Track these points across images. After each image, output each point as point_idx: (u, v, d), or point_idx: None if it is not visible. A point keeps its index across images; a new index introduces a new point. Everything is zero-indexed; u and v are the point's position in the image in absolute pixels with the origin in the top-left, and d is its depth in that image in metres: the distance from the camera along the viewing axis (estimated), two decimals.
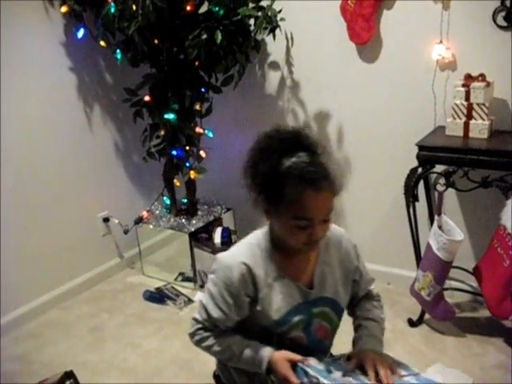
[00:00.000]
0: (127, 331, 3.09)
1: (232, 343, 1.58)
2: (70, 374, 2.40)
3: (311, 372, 1.45)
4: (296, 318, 1.57)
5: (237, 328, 1.63)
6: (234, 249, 1.61)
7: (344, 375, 1.47)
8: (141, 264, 3.77)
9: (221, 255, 1.59)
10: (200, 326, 1.62)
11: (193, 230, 3.41)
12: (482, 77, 2.60)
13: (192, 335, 1.65)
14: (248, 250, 1.57)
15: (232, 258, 1.56)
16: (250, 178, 1.48)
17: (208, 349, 1.62)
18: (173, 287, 3.46)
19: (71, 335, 3.08)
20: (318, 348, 1.65)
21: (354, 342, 1.67)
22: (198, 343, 1.64)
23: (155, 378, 2.67)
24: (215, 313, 1.56)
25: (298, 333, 1.60)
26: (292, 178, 1.40)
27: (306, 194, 1.39)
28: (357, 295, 1.76)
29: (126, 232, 3.66)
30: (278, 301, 1.55)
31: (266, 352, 1.53)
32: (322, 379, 1.41)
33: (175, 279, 3.56)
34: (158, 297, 3.39)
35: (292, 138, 1.46)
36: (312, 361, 1.51)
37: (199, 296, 3.22)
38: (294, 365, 1.50)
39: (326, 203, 1.43)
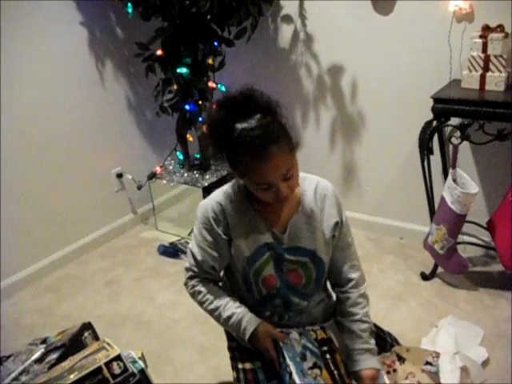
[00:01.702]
0: (142, 285, 3.14)
1: (220, 306, 1.67)
2: (88, 326, 2.44)
3: (288, 360, 1.56)
4: (267, 254, 1.63)
5: (226, 283, 1.79)
6: (212, 193, 1.70)
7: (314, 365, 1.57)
8: (154, 219, 3.81)
9: (202, 201, 1.69)
10: (190, 273, 1.72)
11: (206, 184, 3.42)
12: (501, 28, 2.54)
13: (185, 285, 1.75)
14: (222, 191, 1.66)
15: (207, 200, 1.66)
16: (212, 147, 1.53)
17: (200, 304, 1.73)
18: (187, 242, 3.49)
19: (88, 289, 3.14)
20: (294, 294, 1.70)
21: (350, 351, 1.69)
22: (192, 296, 1.74)
23: (171, 330, 2.73)
24: (199, 254, 1.66)
25: (269, 271, 1.65)
26: (242, 146, 1.42)
27: (257, 162, 1.42)
28: (336, 262, 1.74)
29: (139, 187, 3.68)
30: (249, 237, 1.61)
31: (251, 325, 1.62)
32: (294, 376, 1.52)
33: (189, 234, 3.58)
34: (172, 251, 3.42)
35: (243, 101, 1.46)
36: (293, 334, 1.63)
37: None
38: (275, 340, 1.62)
39: (281, 165, 1.44)
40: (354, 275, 1.74)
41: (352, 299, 1.72)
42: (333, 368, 1.59)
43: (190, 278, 1.72)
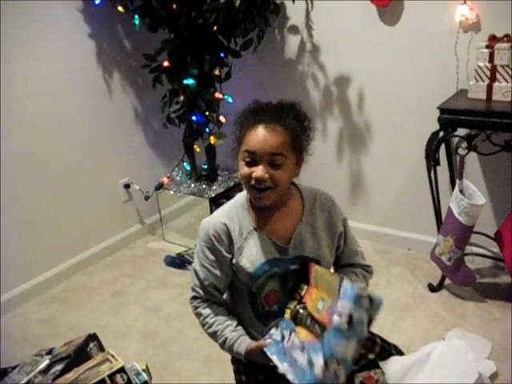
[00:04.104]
0: (149, 296, 3.13)
1: (218, 331, 1.64)
2: (93, 337, 2.44)
3: (269, 355, 1.52)
4: (271, 270, 1.61)
5: (229, 300, 1.77)
6: (214, 212, 1.71)
7: (290, 334, 1.53)
8: (162, 230, 3.81)
9: (204, 219, 1.68)
10: (194, 293, 1.70)
11: (213, 195, 3.43)
12: (507, 37, 2.54)
13: (190, 303, 1.73)
14: (226, 208, 1.67)
15: (210, 218, 1.66)
16: (238, 130, 1.59)
17: (202, 326, 1.70)
18: (194, 252, 3.46)
19: (94, 299, 3.14)
20: None
21: None
22: (195, 316, 1.72)
23: (176, 341, 2.72)
24: (201, 272, 1.65)
25: (273, 286, 1.64)
26: (255, 118, 1.52)
27: (253, 128, 1.51)
28: (339, 261, 1.78)
29: (146, 198, 3.68)
30: (252, 253, 1.61)
31: (242, 349, 1.60)
32: (278, 364, 1.47)
33: (196, 245, 3.57)
34: (178, 262, 3.42)
35: (282, 105, 1.57)
36: (272, 331, 1.58)
37: None
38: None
39: (273, 141, 1.49)
40: (363, 261, 1.80)
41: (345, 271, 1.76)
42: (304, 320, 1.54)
43: (194, 298, 1.71)
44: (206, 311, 1.67)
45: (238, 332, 1.64)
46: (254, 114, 1.54)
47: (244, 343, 1.61)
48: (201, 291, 1.67)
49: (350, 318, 1.32)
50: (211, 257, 1.63)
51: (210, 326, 1.66)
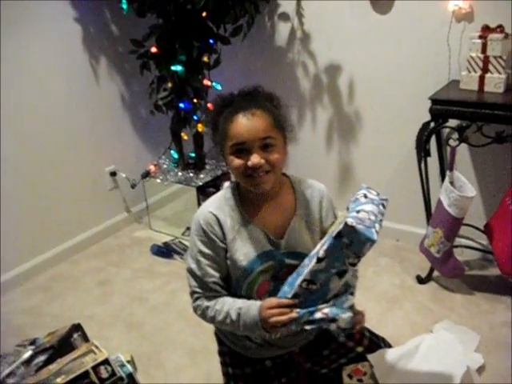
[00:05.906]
0: (134, 285, 3.10)
1: (229, 310, 1.55)
2: (77, 327, 2.42)
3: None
4: (266, 264, 1.58)
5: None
6: (204, 203, 1.67)
7: None
8: (148, 218, 3.77)
9: (194, 215, 1.64)
10: (195, 295, 1.63)
11: (200, 184, 3.39)
12: (500, 28, 2.51)
13: (194, 309, 1.65)
14: (215, 200, 1.64)
15: (199, 210, 1.62)
16: (211, 130, 1.59)
17: (212, 320, 1.61)
18: (180, 242, 3.45)
19: (79, 289, 3.10)
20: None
21: None
22: (203, 317, 1.64)
23: (162, 331, 2.69)
24: (198, 269, 1.59)
25: (265, 278, 1.59)
26: (231, 105, 1.52)
27: (233, 119, 1.49)
28: None
29: (133, 186, 3.64)
30: (246, 246, 1.57)
31: (255, 307, 1.51)
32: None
33: (183, 234, 3.54)
34: (165, 251, 3.39)
35: (247, 92, 1.56)
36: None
37: None
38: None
39: (259, 125, 1.47)
40: None
41: None
42: None
43: (196, 299, 1.63)
44: (212, 302, 1.59)
45: (250, 302, 1.55)
46: (227, 107, 1.52)
47: (257, 304, 1.52)
48: (201, 290, 1.60)
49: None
50: (206, 250, 1.57)
51: (220, 311, 1.56)
